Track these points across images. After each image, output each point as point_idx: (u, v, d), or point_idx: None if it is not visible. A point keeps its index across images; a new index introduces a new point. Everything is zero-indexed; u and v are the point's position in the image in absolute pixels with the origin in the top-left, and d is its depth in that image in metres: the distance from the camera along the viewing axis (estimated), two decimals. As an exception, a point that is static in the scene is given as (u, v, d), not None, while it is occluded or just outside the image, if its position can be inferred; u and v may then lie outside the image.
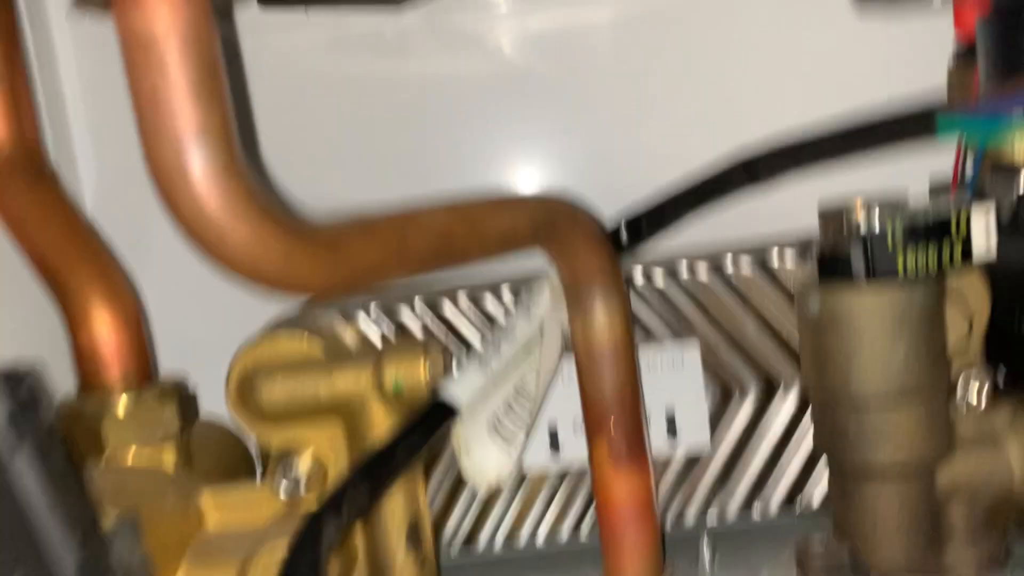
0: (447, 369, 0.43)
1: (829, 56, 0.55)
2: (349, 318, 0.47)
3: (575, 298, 0.43)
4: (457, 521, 0.49)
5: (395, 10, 0.54)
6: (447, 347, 0.46)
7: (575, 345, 0.43)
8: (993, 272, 0.47)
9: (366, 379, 0.42)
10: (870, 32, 0.54)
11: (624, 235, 0.45)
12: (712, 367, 0.48)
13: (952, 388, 0.43)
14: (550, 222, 0.40)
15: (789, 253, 0.47)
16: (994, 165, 0.44)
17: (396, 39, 0.55)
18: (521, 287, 0.46)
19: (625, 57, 0.57)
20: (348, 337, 0.47)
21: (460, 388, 0.40)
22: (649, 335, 0.48)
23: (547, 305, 0.43)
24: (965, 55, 0.47)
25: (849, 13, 0.52)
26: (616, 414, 0.43)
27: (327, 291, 0.35)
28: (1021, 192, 0.41)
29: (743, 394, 0.48)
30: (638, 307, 0.48)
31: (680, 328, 0.48)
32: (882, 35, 0.54)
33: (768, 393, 0.48)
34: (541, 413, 0.46)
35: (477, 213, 0.36)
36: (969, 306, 0.43)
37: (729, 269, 0.48)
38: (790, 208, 0.45)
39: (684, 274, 0.48)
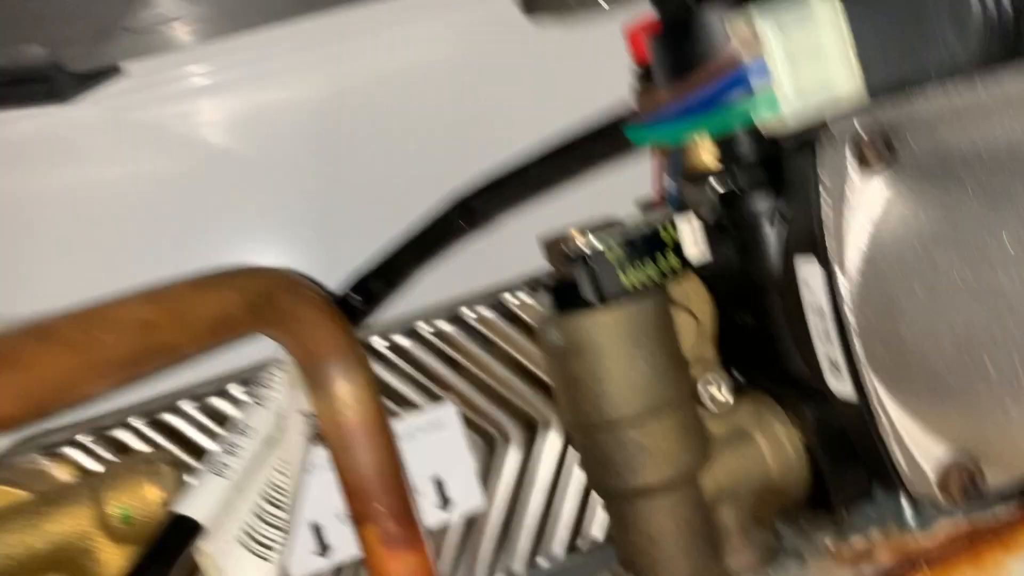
0: (181, 484, 0.39)
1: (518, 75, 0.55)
2: (56, 454, 0.41)
3: (313, 378, 0.40)
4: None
5: (63, 107, 0.49)
6: (176, 460, 0.41)
7: (323, 429, 0.40)
8: (713, 273, 0.50)
9: (86, 516, 0.36)
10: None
11: (356, 300, 0.43)
12: (471, 421, 0.47)
13: (696, 393, 0.44)
14: (268, 298, 0.36)
15: (522, 292, 0.47)
16: (687, 175, 0.47)
17: (71, 139, 0.50)
18: (253, 377, 0.43)
19: (330, 129, 0.56)
20: (62, 476, 0.41)
21: (198, 501, 0.36)
22: (401, 402, 0.46)
23: (283, 392, 0.40)
24: (644, 75, 0.50)
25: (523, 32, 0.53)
26: (380, 495, 0.40)
27: (12, 419, 0.29)
28: (713, 195, 0.43)
29: (507, 441, 0.47)
30: (383, 374, 0.46)
31: (432, 388, 0.46)
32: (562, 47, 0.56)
33: (531, 435, 0.48)
34: (298, 509, 0.42)
35: (177, 297, 0.33)
36: (694, 310, 0.44)
37: (468, 318, 0.47)
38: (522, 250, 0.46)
39: (425, 331, 0.46)
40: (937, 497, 0.37)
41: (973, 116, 0.32)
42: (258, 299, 0.36)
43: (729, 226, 0.45)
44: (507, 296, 0.47)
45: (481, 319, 0.47)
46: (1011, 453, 0.34)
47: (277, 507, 0.40)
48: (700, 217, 0.44)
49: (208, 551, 0.37)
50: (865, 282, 0.37)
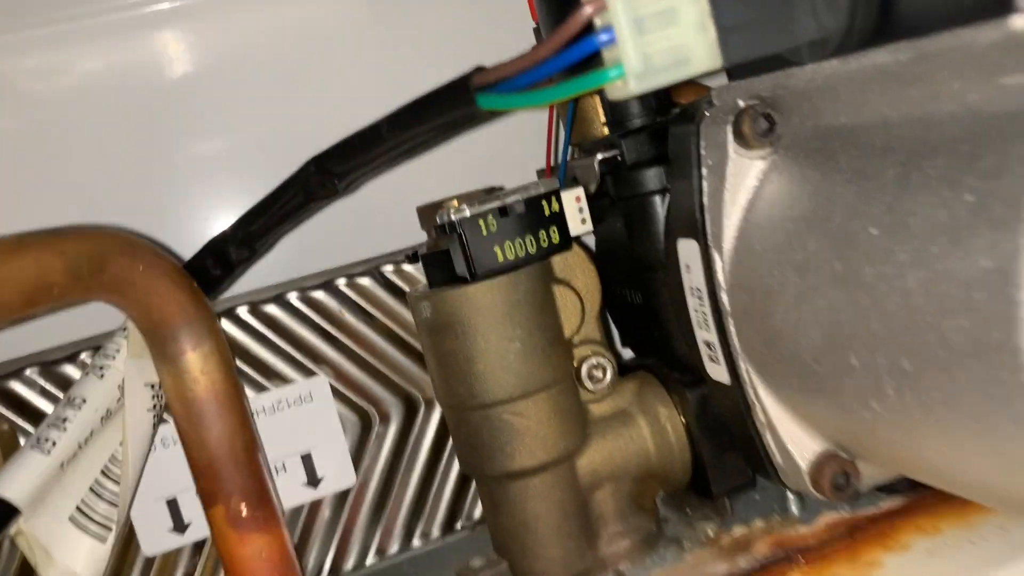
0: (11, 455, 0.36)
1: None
2: None
3: (159, 349, 0.37)
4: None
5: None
6: (11, 428, 0.39)
7: (170, 402, 0.38)
8: (601, 247, 0.47)
9: None
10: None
11: (212, 267, 0.40)
12: (347, 397, 0.45)
13: (578, 373, 0.42)
14: (99, 263, 0.34)
15: (403, 261, 0.45)
16: (578, 144, 0.45)
17: None
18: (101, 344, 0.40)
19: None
20: None
21: (15, 480, 0.33)
22: (270, 375, 0.43)
23: (126, 362, 0.37)
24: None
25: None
26: (229, 474, 0.38)
27: None
28: (602, 167, 0.41)
29: (385, 418, 0.45)
30: (251, 346, 0.43)
31: (304, 362, 0.44)
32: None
33: (411, 413, 0.45)
34: (144, 486, 0.40)
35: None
36: (578, 286, 0.42)
37: (342, 286, 0.44)
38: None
39: (296, 301, 0.43)
40: (809, 490, 0.36)
41: (848, 94, 0.30)
42: (86, 264, 0.33)
43: (617, 200, 0.43)
44: (387, 266, 0.44)
45: (357, 288, 0.44)
46: (880, 451, 0.33)
47: (117, 483, 0.37)
48: (587, 190, 0.41)
49: (29, 532, 0.34)
50: (741, 266, 0.35)
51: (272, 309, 0.43)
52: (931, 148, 0.27)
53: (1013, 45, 0.23)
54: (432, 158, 0.48)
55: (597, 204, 0.43)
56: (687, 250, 0.37)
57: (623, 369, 0.45)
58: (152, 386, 0.38)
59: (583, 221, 0.41)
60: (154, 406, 0.38)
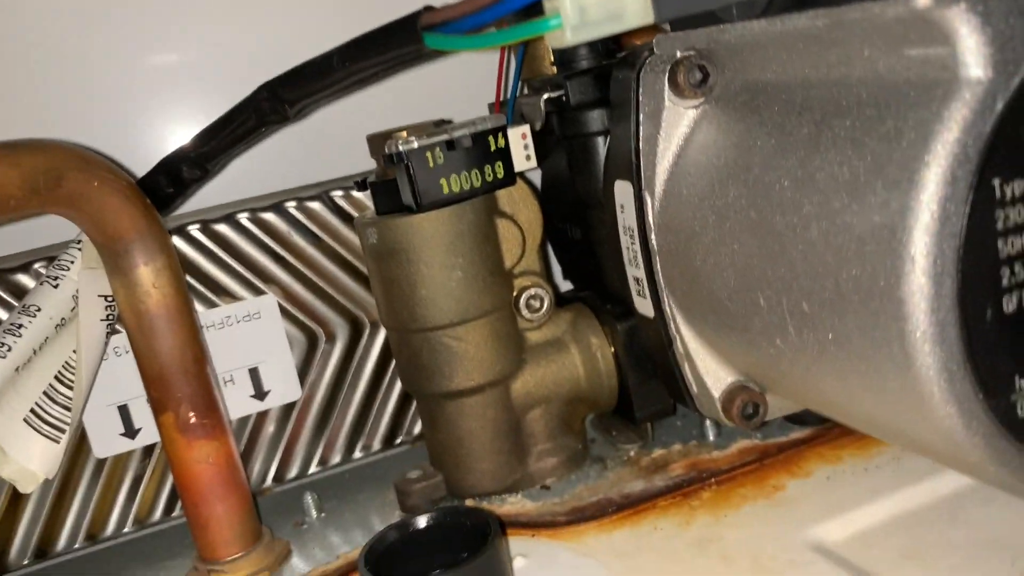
0: (-31, 361, 0.38)
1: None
2: None
3: (112, 262, 0.38)
4: (26, 529, 0.43)
5: None
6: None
7: (122, 314, 0.39)
8: (546, 182, 0.49)
9: None
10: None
11: (163, 183, 0.41)
12: (295, 317, 0.46)
13: (516, 302, 0.44)
14: (55, 177, 0.35)
15: (352, 188, 0.46)
16: (527, 82, 0.46)
17: None
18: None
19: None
20: None
21: (-29, 382, 0.35)
22: (220, 292, 0.45)
23: (79, 273, 0.39)
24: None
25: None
26: (179, 383, 0.40)
27: None
28: (548, 106, 0.43)
29: (331, 338, 0.47)
30: (201, 263, 0.44)
31: (253, 280, 0.45)
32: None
33: (357, 333, 0.47)
34: (97, 391, 0.42)
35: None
36: (520, 220, 0.44)
37: (291, 208, 0.46)
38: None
39: (245, 220, 0.45)
40: (721, 418, 0.39)
41: (775, 52, 0.32)
42: (42, 178, 0.34)
43: (561, 138, 0.45)
44: (336, 191, 0.46)
45: (306, 212, 0.46)
46: (784, 385, 0.36)
47: (70, 388, 0.39)
48: (533, 128, 0.43)
49: (-15, 431, 0.36)
50: (669, 208, 0.37)
51: (223, 228, 0.45)
52: (842, 110, 0.29)
53: (916, 20, 0.26)
54: (385, 87, 0.49)
55: (545, 141, 0.45)
56: (622, 191, 0.39)
57: (561, 300, 0.48)
58: (105, 297, 0.39)
59: (528, 158, 0.43)
60: (107, 316, 0.40)
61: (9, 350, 0.36)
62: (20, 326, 0.37)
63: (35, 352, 0.37)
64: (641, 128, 0.37)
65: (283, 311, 0.46)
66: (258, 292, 0.45)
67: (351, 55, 0.34)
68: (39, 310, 0.37)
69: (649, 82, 0.37)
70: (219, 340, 0.45)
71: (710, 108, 0.36)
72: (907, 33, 0.26)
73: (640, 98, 0.37)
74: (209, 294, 0.45)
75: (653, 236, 0.38)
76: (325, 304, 0.47)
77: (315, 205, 0.46)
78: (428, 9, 0.31)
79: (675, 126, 0.36)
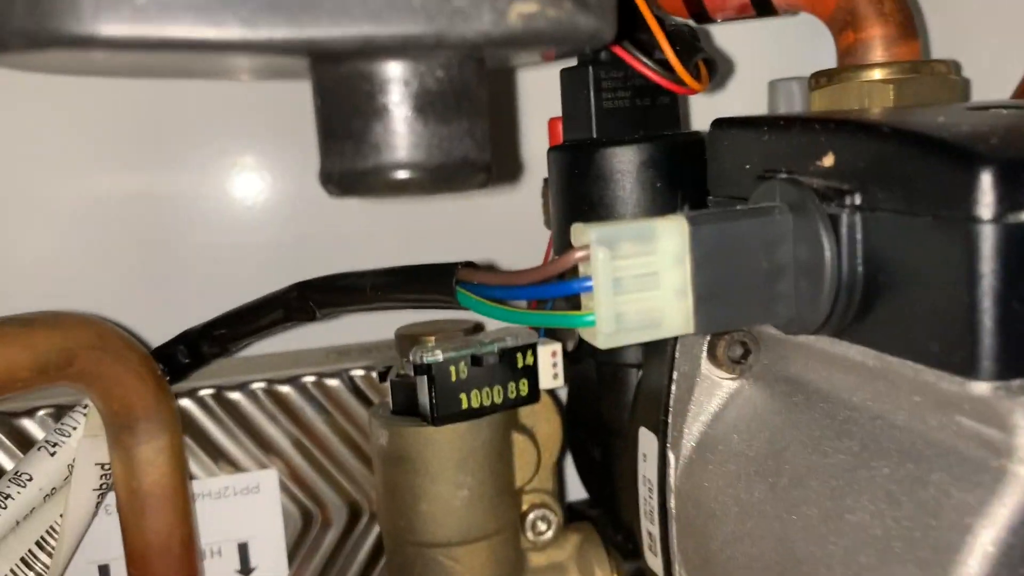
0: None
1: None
2: None
3: (114, 436, 0.37)
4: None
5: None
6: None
7: (116, 488, 0.38)
8: (573, 388, 0.48)
9: None
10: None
11: (181, 355, 0.40)
12: (293, 492, 0.45)
13: (523, 519, 0.42)
14: (68, 357, 0.34)
15: (373, 370, 0.45)
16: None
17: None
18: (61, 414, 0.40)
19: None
20: None
21: (-56, 555, 0.34)
22: (221, 458, 0.44)
23: (79, 442, 0.38)
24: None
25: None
26: (162, 563, 0.38)
27: None
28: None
29: (327, 520, 0.45)
30: (207, 426, 0.43)
31: (257, 452, 0.44)
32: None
33: (354, 519, 0.46)
34: (78, 557, 0.40)
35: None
36: (539, 435, 0.42)
37: (309, 383, 0.44)
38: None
39: (261, 392, 0.44)
40: None
41: (819, 360, 0.30)
42: (54, 358, 0.33)
43: (593, 360, 0.43)
44: (357, 371, 0.45)
45: (324, 388, 0.45)
46: None
47: (50, 556, 0.38)
48: (565, 347, 0.42)
49: (-49, 603, 0.35)
50: (693, 477, 0.35)
51: (236, 396, 0.43)
52: (883, 451, 0.27)
53: (973, 398, 0.24)
54: (432, 218, 0.49)
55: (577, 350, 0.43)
56: (647, 441, 0.38)
57: (571, 510, 0.46)
58: (102, 465, 0.38)
59: (555, 376, 0.41)
60: (101, 486, 0.38)
61: (-9, 522, 0.35)
62: (7, 496, 0.35)
63: (18, 523, 0.36)
64: (674, 387, 0.36)
65: (282, 486, 0.44)
66: (260, 464, 0.44)
67: (384, 285, 0.33)
68: (30, 479, 0.36)
69: (687, 342, 0.35)
70: (212, 510, 0.43)
71: (748, 386, 0.34)
72: (962, 403, 0.24)
73: (676, 356, 0.36)
74: (210, 461, 0.43)
75: (672, 500, 0.36)
76: (327, 484, 0.45)
77: (334, 383, 0.45)
78: (468, 265, 0.30)
79: (709, 395, 0.35)
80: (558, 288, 0.26)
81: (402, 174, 0.21)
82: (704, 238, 0.26)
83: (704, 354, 0.34)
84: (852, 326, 0.27)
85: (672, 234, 0.26)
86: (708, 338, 0.34)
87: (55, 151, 0.47)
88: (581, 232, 0.26)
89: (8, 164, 0.46)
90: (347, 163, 0.21)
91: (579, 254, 0.26)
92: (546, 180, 0.48)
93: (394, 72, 0.21)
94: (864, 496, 0.27)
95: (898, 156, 0.25)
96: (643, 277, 0.26)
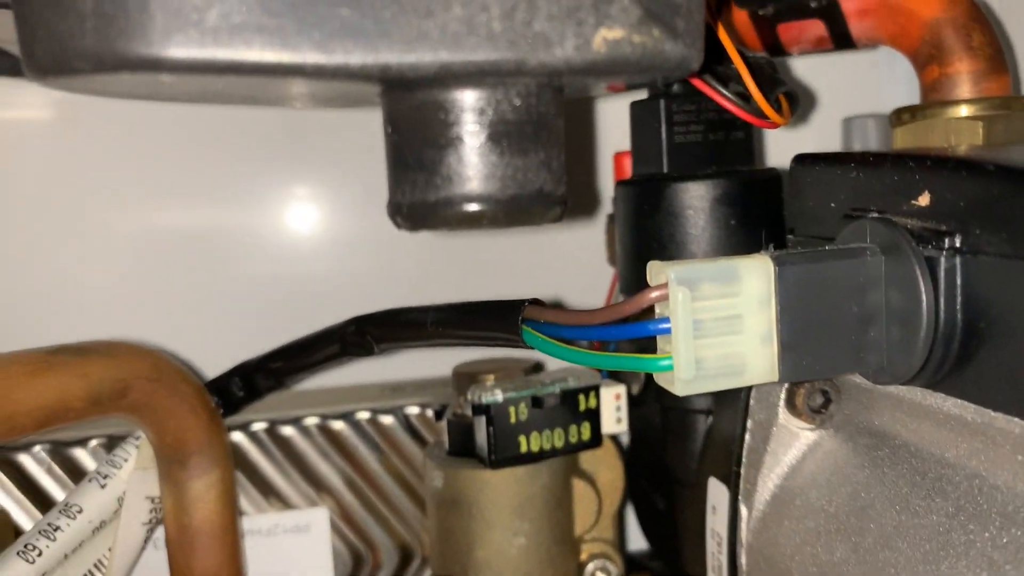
0: (1, 540, 0.36)
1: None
2: None
3: (165, 468, 0.37)
4: None
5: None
6: (2, 512, 0.38)
7: (166, 523, 0.37)
8: (635, 434, 0.46)
9: None
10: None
11: (236, 387, 0.40)
12: (344, 532, 0.44)
13: (581, 569, 0.41)
14: (122, 388, 0.33)
15: (429, 408, 0.44)
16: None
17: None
18: (112, 444, 0.40)
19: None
20: None
21: (-8, 588, 0.33)
22: (271, 494, 0.43)
23: (130, 474, 0.37)
24: (612, 218, 0.46)
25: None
26: (209, 602, 0.37)
27: None
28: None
29: (378, 566, 0.44)
30: (261, 462, 0.42)
31: (308, 489, 0.43)
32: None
33: (404, 563, 0.44)
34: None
35: (1, 388, 0.30)
36: (600, 483, 0.41)
37: (365, 423, 0.43)
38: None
39: (314, 428, 0.43)
40: None
41: (909, 411, 0.28)
42: (108, 389, 0.33)
43: (659, 404, 0.41)
44: (412, 408, 0.44)
45: (377, 425, 0.43)
46: None
47: (96, 592, 0.37)
48: (629, 390, 0.40)
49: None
50: (767, 532, 0.33)
51: (289, 431, 0.43)
52: (981, 513, 0.25)
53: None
54: (488, 253, 0.49)
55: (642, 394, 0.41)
56: (716, 492, 0.36)
57: (630, 562, 0.44)
58: (152, 499, 0.38)
59: (619, 421, 0.40)
60: (150, 520, 0.38)
61: (40, 555, 0.34)
62: (57, 528, 0.35)
63: (67, 556, 0.35)
64: (748, 436, 0.34)
65: (332, 525, 0.43)
66: (311, 502, 0.43)
67: (446, 321, 0.32)
68: (80, 511, 0.35)
69: (764, 389, 0.33)
70: (261, 548, 0.42)
71: (827, 437, 0.32)
72: (1077, 467, 0.22)
73: (751, 403, 0.34)
74: (260, 497, 0.42)
75: (743, 556, 0.34)
76: (378, 524, 0.44)
77: (388, 420, 0.44)
78: (534, 302, 0.28)
79: (786, 446, 0.33)
80: (632, 329, 0.25)
81: (475, 207, 0.20)
82: (791, 280, 0.25)
83: (782, 402, 0.32)
84: (948, 377, 0.25)
85: (757, 275, 0.24)
86: (787, 385, 0.32)
87: (114, 183, 0.47)
88: (658, 270, 0.24)
89: (66, 196, 0.46)
90: (418, 195, 0.20)
91: (656, 293, 0.24)
92: (610, 216, 0.47)
93: (470, 100, 0.20)
94: (961, 562, 0.24)
95: (1004, 196, 0.24)
96: (725, 320, 0.24)
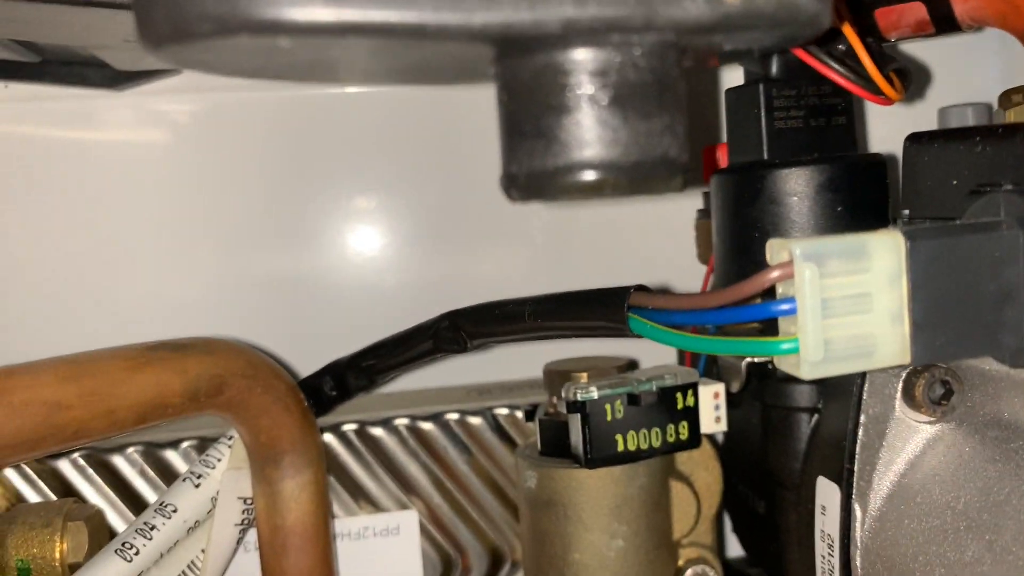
0: (96, 540, 0.36)
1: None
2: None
3: (259, 470, 0.36)
4: None
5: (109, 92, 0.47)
6: (98, 511, 0.38)
7: (259, 524, 0.37)
8: (731, 438, 0.44)
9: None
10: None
11: (328, 387, 0.39)
12: (433, 535, 0.43)
13: (680, 575, 0.39)
14: (218, 384, 0.33)
15: (519, 409, 0.43)
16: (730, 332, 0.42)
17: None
18: (204, 446, 0.40)
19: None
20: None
21: (91, 585, 0.33)
22: (361, 495, 0.42)
23: (224, 474, 0.37)
24: (703, 212, 0.45)
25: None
26: (302, 604, 0.37)
27: None
28: (750, 368, 0.38)
29: (467, 570, 0.43)
30: (351, 464, 0.42)
31: (398, 491, 0.42)
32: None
33: (495, 568, 0.43)
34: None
35: (102, 376, 0.29)
36: (698, 485, 0.39)
37: (454, 424, 0.43)
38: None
39: (404, 428, 0.42)
40: None
41: (1051, 403, 0.26)
42: (204, 386, 0.32)
43: (760, 404, 0.40)
44: (501, 409, 0.43)
45: (466, 427, 0.43)
46: None
47: (191, 592, 0.37)
48: (728, 388, 0.39)
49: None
50: (884, 533, 0.31)
51: (378, 431, 0.42)
52: None
53: None
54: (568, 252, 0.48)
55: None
56: (826, 492, 0.34)
57: (729, 570, 0.42)
58: (244, 500, 0.37)
59: (717, 420, 0.38)
60: (243, 521, 0.37)
61: (137, 553, 0.34)
62: (153, 527, 0.35)
63: (162, 555, 0.35)
64: (861, 431, 0.32)
65: (422, 529, 0.42)
66: (400, 504, 0.42)
67: (546, 312, 0.31)
68: (175, 511, 0.35)
69: (878, 381, 0.32)
70: (351, 552, 0.41)
71: (949, 430, 0.30)
72: None
73: (864, 396, 0.32)
74: (350, 499, 0.42)
75: (859, 557, 0.32)
76: (468, 528, 0.43)
77: (477, 421, 0.43)
78: (640, 288, 0.27)
79: (903, 440, 0.31)
80: (753, 311, 0.24)
81: (596, 174, 0.19)
82: (923, 255, 0.23)
83: (899, 394, 0.31)
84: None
85: (887, 250, 0.23)
86: (903, 376, 0.30)
87: (206, 178, 0.47)
88: (781, 247, 0.23)
89: (158, 200, 0.47)
90: (536, 163, 0.20)
91: (778, 272, 0.23)
92: (700, 211, 0.45)
93: (591, 61, 0.19)
94: (1120, 559, 0.23)
95: None
96: (854, 298, 0.23)
